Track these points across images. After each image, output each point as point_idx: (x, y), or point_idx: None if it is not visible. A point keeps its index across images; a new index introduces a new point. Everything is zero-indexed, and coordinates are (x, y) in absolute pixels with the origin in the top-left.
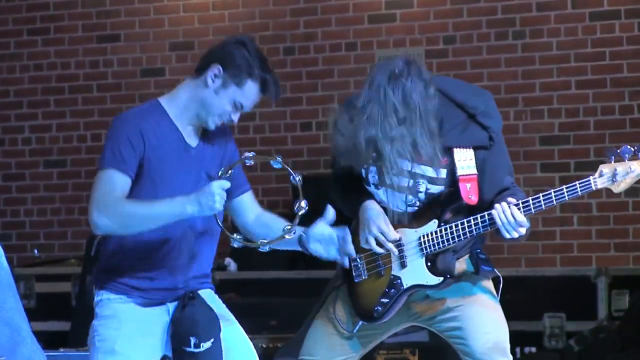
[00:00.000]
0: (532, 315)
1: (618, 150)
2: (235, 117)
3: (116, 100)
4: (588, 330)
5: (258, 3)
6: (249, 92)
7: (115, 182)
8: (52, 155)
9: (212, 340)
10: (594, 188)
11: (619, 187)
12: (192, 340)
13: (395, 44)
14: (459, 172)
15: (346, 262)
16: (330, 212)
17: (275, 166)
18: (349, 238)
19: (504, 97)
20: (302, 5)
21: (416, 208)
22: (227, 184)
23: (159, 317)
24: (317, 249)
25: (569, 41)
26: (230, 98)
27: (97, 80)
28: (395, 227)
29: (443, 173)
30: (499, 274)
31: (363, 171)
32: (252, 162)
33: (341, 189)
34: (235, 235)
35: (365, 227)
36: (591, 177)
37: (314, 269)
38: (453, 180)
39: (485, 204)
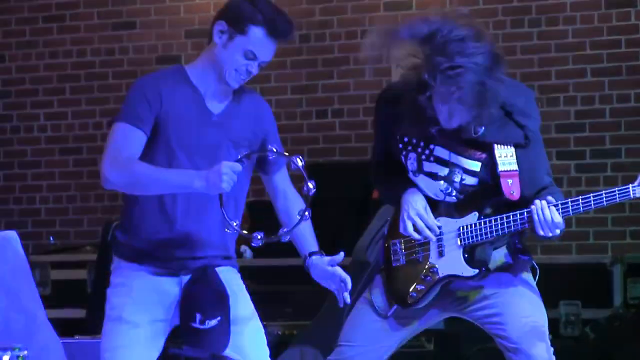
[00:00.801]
0: (548, 303)
1: None
2: (253, 69)
3: None
4: (604, 318)
5: None
6: (255, 38)
7: (129, 136)
8: (67, 143)
9: (218, 318)
10: (632, 196)
11: None
12: (198, 316)
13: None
14: (500, 167)
15: (341, 303)
16: (340, 256)
17: (292, 167)
18: (349, 284)
19: None
20: None
21: (454, 199)
22: (238, 167)
23: (171, 287)
24: (318, 278)
25: (585, 29)
26: (239, 48)
27: (113, 67)
28: (436, 216)
29: (476, 166)
30: (536, 264)
31: (402, 157)
32: (273, 157)
33: (383, 176)
34: (234, 223)
35: (404, 212)
36: (630, 185)
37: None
38: (493, 175)
39: (524, 202)
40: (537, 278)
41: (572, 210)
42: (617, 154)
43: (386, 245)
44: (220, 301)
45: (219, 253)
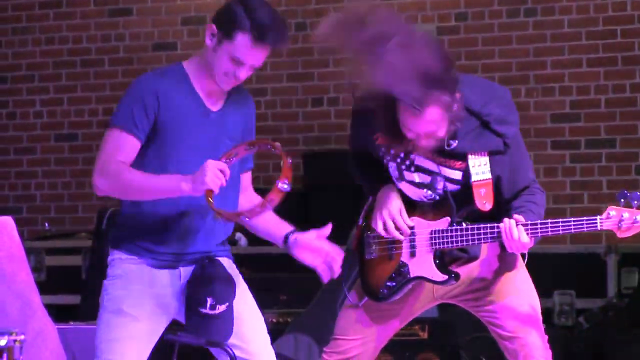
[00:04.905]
0: (541, 293)
1: (628, 194)
2: (242, 73)
3: (128, 75)
4: (597, 307)
5: None
6: (241, 45)
7: (122, 144)
8: (63, 129)
9: (227, 304)
10: (599, 228)
11: (623, 233)
12: (209, 300)
13: (407, 20)
14: (473, 177)
15: (325, 279)
16: (328, 229)
17: (273, 151)
18: (340, 261)
19: (515, 75)
20: None
21: (437, 198)
22: (223, 166)
23: (170, 280)
24: (303, 256)
25: (581, 19)
26: (226, 54)
27: (109, 54)
28: (410, 215)
29: (457, 175)
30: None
31: (384, 162)
32: (254, 150)
33: (360, 170)
34: (222, 211)
35: (378, 209)
36: (598, 217)
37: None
38: (469, 183)
39: (506, 204)
40: (525, 261)
41: (541, 232)
42: (612, 144)
43: (359, 235)
44: (228, 286)
45: (216, 243)
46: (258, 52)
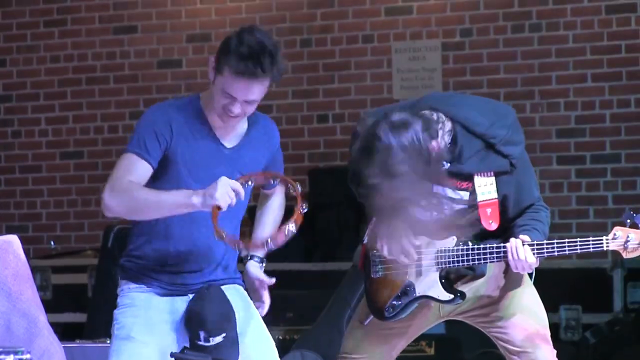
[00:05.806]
0: (548, 308)
1: (634, 215)
2: (234, 108)
3: (133, 92)
4: (604, 323)
5: None
6: (227, 78)
7: (133, 167)
8: (68, 147)
9: (223, 335)
10: (605, 249)
11: (629, 254)
12: (202, 334)
13: (412, 36)
14: (479, 197)
15: (262, 313)
16: (271, 281)
17: (292, 191)
18: (266, 292)
19: (521, 90)
20: None
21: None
22: (238, 186)
23: (179, 306)
24: (249, 283)
25: (585, 34)
26: (219, 88)
27: (114, 71)
28: (417, 233)
29: (465, 195)
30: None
31: None
32: (276, 184)
33: (362, 190)
34: (224, 233)
35: (382, 233)
36: (604, 238)
37: (331, 261)
38: (475, 203)
39: (511, 222)
40: (532, 279)
41: (547, 252)
42: (617, 159)
43: (365, 253)
44: (224, 317)
45: (223, 276)
46: (242, 85)
